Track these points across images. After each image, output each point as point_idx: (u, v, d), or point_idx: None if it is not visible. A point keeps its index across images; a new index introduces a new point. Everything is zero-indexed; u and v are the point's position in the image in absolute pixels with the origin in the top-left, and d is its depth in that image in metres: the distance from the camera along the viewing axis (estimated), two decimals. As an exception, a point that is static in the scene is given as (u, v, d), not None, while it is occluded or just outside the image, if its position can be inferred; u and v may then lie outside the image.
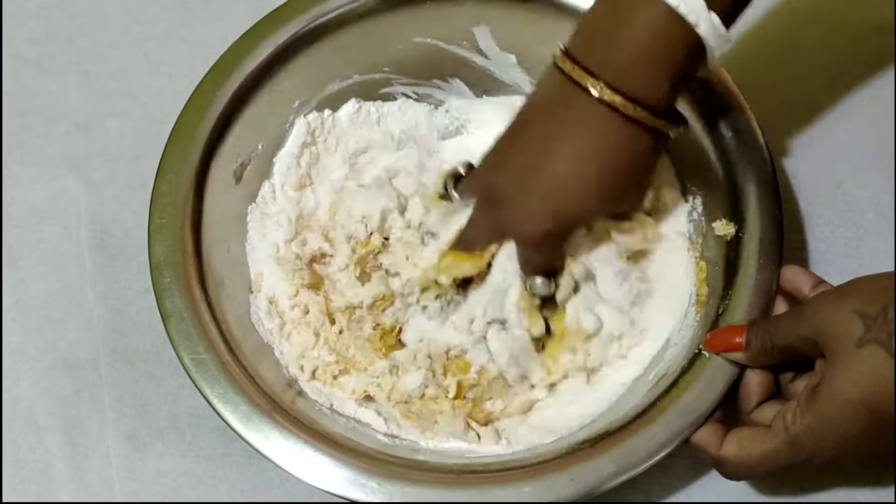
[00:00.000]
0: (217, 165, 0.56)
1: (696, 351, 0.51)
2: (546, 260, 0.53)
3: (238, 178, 0.58)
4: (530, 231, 0.51)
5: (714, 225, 0.55)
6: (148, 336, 0.59)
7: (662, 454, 0.48)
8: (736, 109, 0.56)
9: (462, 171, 0.57)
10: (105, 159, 0.65)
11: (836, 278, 0.59)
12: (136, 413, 0.57)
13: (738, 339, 0.48)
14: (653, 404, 0.49)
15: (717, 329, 0.50)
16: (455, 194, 0.56)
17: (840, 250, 0.61)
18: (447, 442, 0.53)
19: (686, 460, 0.54)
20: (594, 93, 0.47)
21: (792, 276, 0.52)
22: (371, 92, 0.63)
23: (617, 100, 0.47)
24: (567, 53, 0.48)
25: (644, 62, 0.47)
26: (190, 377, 0.50)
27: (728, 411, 0.50)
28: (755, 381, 0.49)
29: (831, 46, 0.67)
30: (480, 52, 0.62)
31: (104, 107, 0.67)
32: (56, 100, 0.67)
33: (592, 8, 0.49)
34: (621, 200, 0.53)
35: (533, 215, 0.50)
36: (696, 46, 0.47)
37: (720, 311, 0.51)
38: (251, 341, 0.54)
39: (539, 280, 0.54)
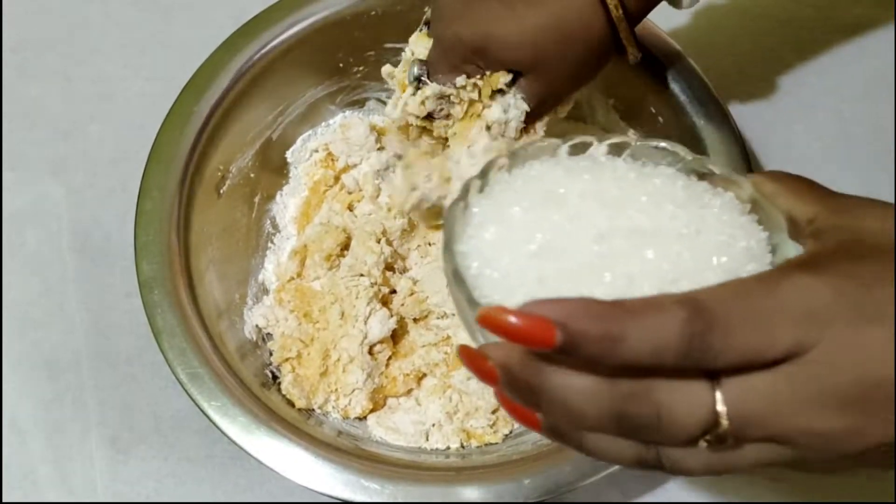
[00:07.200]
0: (199, 180, 0.57)
1: None
2: (446, 66, 0.51)
3: (218, 191, 0.58)
4: (447, 32, 0.50)
5: None
6: (130, 339, 0.59)
7: None
8: (706, 96, 0.57)
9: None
10: (86, 163, 0.65)
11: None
12: (118, 415, 0.58)
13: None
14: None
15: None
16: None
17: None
18: None
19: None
20: None
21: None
22: (343, 98, 0.64)
23: None
24: None
25: None
26: (187, 392, 0.50)
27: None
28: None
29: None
30: None
31: (84, 111, 0.67)
32: (36, 105, 0.67)
33: None
34: (548, 65, 0.50)
35: (459, 22, 0.49)
36: None
37: None
38: (251, 360, 0.55)
39: (418, 71, 0.52)
